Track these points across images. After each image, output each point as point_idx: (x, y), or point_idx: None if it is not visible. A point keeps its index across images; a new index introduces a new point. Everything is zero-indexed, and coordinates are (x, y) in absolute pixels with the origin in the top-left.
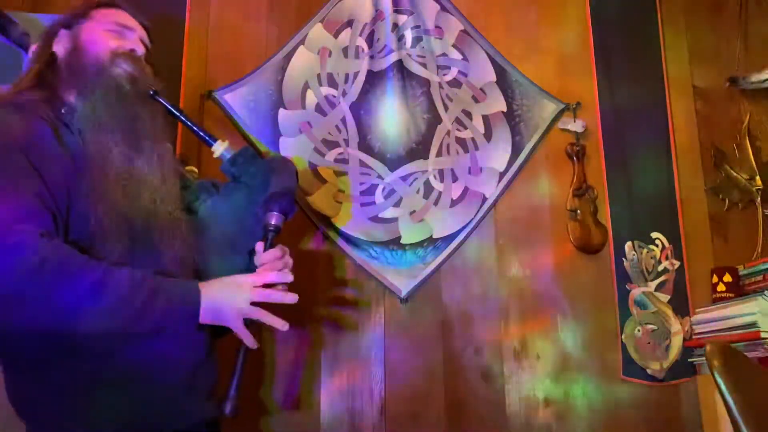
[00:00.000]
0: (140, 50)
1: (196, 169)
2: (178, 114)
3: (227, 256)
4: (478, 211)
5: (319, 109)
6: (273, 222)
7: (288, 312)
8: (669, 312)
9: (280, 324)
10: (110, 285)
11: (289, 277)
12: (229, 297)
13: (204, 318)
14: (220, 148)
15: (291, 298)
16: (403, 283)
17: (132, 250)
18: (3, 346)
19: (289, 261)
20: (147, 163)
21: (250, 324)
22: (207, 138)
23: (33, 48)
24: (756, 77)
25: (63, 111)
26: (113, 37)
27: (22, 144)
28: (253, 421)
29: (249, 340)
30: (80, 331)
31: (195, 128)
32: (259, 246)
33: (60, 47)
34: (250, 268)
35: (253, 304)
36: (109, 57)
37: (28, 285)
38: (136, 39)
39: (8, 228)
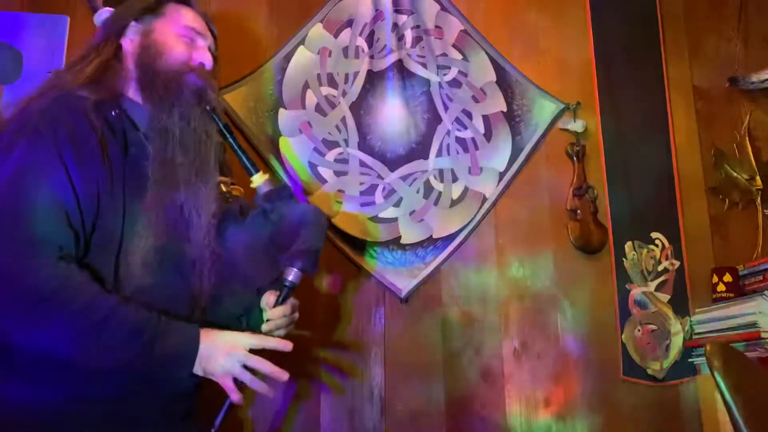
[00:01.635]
0: (209, 64)
1: (227, 179)
2: (228, 135)
3: (235, 289)
4: (478, 211)
5: (319, 109)
6: (290, 278)
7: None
8: (669, 312)
9: (266, 390)
10: (113, 325)
11: (286, 346)
12: (222, 356)
13: (196, 370)
14: (258, 180)
15: (280, 374)
16: (403, 283)
17: (153, 274)
18: None
19: (296, 317)
20: (207, 191)
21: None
22: (249, 166)
23: (101, 17)
24: (756, 77)
25: (114, 114)
26: (185, 44)
27: (63, 146)
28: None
29: (234, 396)
30: (76, 362)
31: (240, 153)
32: (271, 297)
33: (128, 41)
34: (256, 306)
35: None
36: (181, 67)
37: (34, 313)
38: (206, 50)
39: (27, 250)
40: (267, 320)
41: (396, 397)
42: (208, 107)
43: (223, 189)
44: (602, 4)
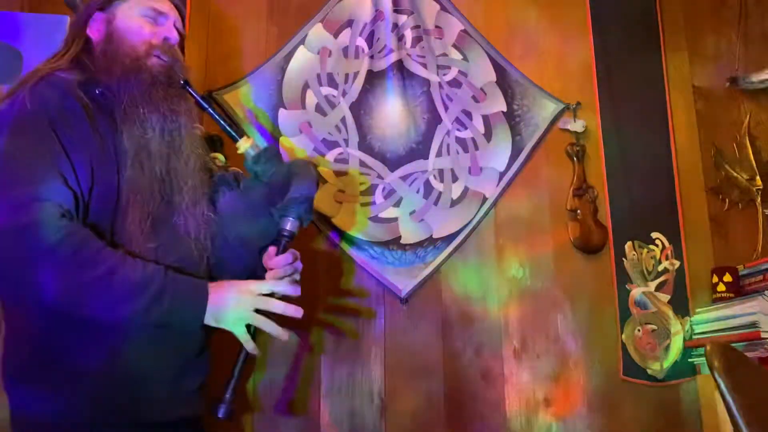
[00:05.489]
0: (174, 38)
1: (222, 157)
2: (206, 106)
3: (239, 253)
4: (478, 211)
5: (319, 109)
6: (288, 228)
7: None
8: (669, 312)
9: (281, 333)
10: (122, 275)
11: (295, 290)
12: (233, 302)
13: (207, 320)
14: (245, 145)
15: (294, 311)
16: (403, 283)
17: (152, 239)
18: (11, 317)
19: (299, 266)
20: (184, 162)
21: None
22: (233, 133)
23: (68, 25)
24: (756, 77)
25: (98, 92)
26: (147, 23)
27: (54, 120)
28: (248, 421)
29: (250, 346)
30: (86, 315)
31: (222, 122)
32: (272, 250)
33: (95, 32)
34: (259, 267)
35: (257, 310)
36: (144, 48)
37: (41, 264)
38: (170, 26)
39: (29, 205)
40: (269, 269)
41: (396, 397)
42: (181, 81)
43: (218, 164)
44: (602, 4)
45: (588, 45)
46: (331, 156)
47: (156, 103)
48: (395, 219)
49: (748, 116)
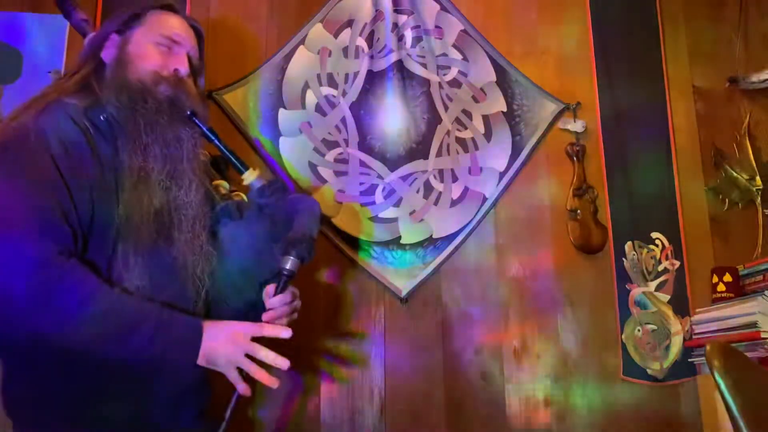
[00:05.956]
0: (184, 70)
1: (226, 184)
2: (212, 137)
3: (239, 286)
4: (478, 211)
5: (319, 109)
6: (288, 267)
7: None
8: (669, 312)
9: (271, 381)
10: (114, 316)
11: (287, 333)
12: (224, 347)
13: (200, 361)
14: (250, 177)
15: (282, 363)
16: (403, 283)
17: (146, 275)
18: (4, 348)
19: (298, 305)
20: (185, 194)
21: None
22: (239, 165)
23: (85, 44)
24: (756, 77)
25: (102, 118)
26: (161, 53)
27: (54, 148)
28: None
29: (241, 388)
30: (77, 354)
31: (228, 153)
32: (271, 288)
33: (108, 54)
34: (260, 301)
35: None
36: (151, 78)
37: (36, 303)
38: (183, 56)
39: (26, 244)
40: (267, 309)
41: (396, 397)
42: (188, 113)
43: (222, 192)
44: (602, 4)
45: (588, 45)
46: (331, 156)
47: (159, 132)
48: (395, 219)
49: (748, 116)
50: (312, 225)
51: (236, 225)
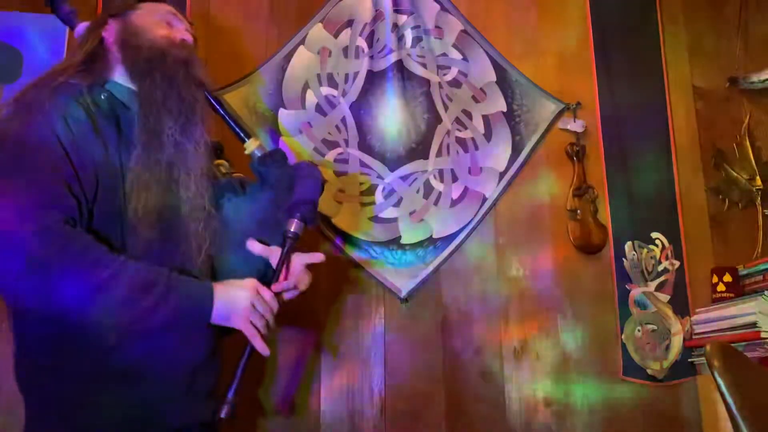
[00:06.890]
0: (190, 40)
1: (226, 163)
2: (218, 106)
3: (246, 256)
4: (478, 211)
5: (319, 109)
6: (292, 229)
7: (289, 312)
8: (669, 312)
9: (263, 349)
10: (125, 278)
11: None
12: (238, 299)
13: (215, 319)
14: (251, 146)
15: (262, 348)
16: (403, 283)
17: (157, 241)
18: (18, 328)
19: (308, 280)
20: (195, 150)
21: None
22: (241, 134)
23: (80, 30)
24: (756, 77)
25: (103, 97)
26: (164, 26)
27: (57, 126)
28: (251, 422)
29: (259, 345)
30: (90, 321)
31: (231, 122)
32: (276, 250)
33: (109, 32)
34: (268, 270)
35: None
36: (165, 42)
37: (46, 271)
38: (185, 30)
39: (32, 213)
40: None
41: (396, 397)
42: (195, 80)
43: (223, 171)
44: (602, 4)
45: (588, 45)
46: (331, 156)
47: (176, 88)
48: (395, 219)
49: (748, 116)
50: (314, 188)
51: (239, 199)
